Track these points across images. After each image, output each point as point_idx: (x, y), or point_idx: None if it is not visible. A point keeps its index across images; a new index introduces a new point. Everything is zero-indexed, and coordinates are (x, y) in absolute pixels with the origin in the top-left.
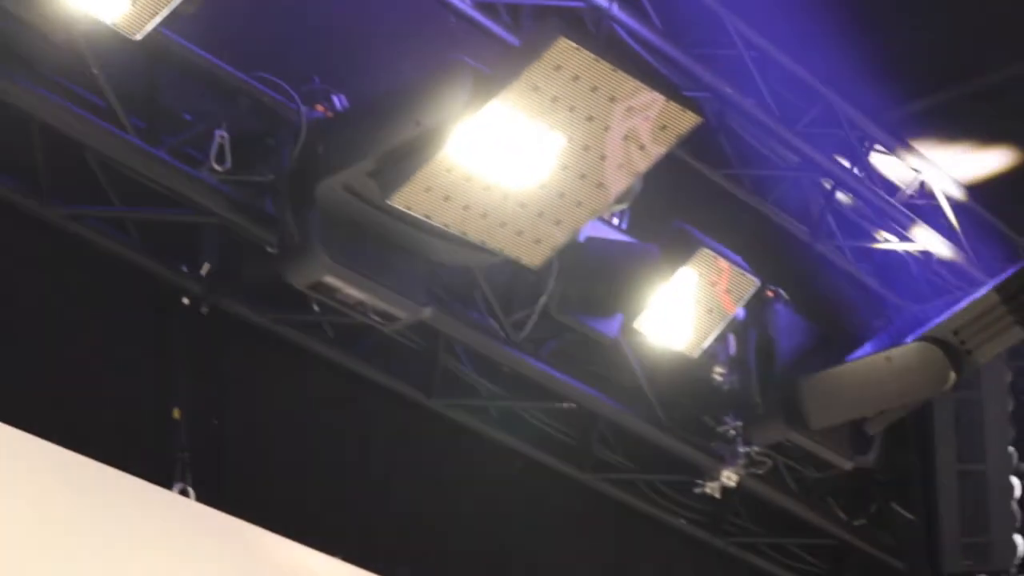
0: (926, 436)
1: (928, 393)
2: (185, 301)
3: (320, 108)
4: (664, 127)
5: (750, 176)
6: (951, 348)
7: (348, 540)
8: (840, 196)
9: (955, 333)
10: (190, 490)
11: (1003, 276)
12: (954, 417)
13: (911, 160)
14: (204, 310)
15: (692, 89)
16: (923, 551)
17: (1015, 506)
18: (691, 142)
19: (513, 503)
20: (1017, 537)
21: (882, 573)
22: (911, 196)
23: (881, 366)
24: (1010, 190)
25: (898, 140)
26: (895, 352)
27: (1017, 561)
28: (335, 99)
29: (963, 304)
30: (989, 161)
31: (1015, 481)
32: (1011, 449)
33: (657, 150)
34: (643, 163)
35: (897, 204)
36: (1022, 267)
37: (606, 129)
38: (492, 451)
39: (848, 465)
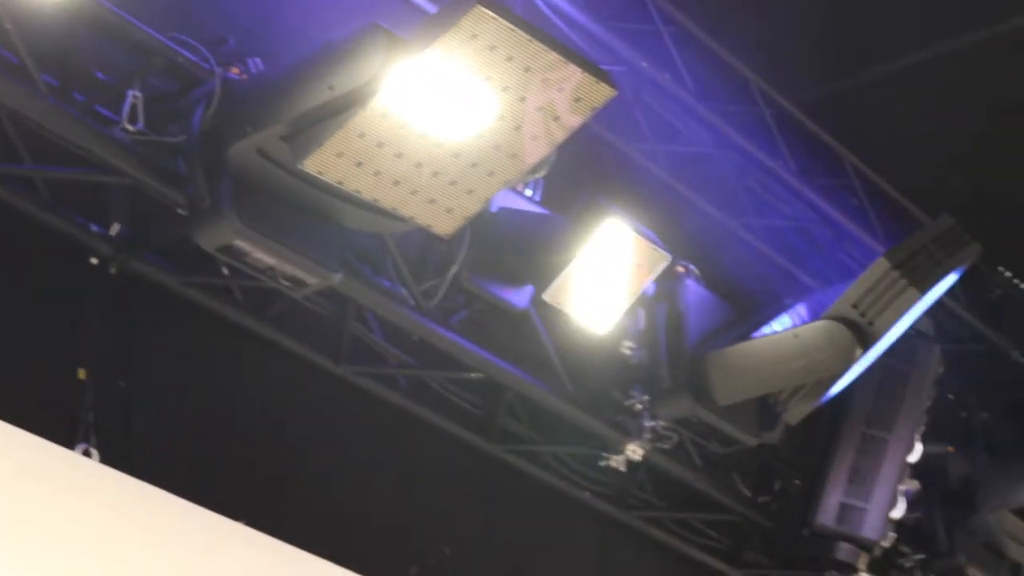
0: (845, 394)
1: (834, 371)
2: (94, 261)
3: (235, 70)
4: (579, 99)
5: (665, 151)
6: (855, 325)
7: (252, 505)
8: (753, 174)
9: (855, 307)
10: (93, 451)
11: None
12: (878, 382)
13: (825, 140)
14: (113, 270)
15: (609, 63)
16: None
17: (902, 490)
18: (607, 116)
19: (419, 472)
20: (895, 514)
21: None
22: (824, 176)
23: (788, 343)
24: (921, 172)
25: (813, 120)
26: (802, 330)
27: (885, 540)
28: (250, 62)
29: (858, 278)
30: (900, 143)
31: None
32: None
33: (572, 122)
34: (558, 135)
35: (810, 184)
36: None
37: (521, 100)
38: (399, 419)
39: (753, 441)
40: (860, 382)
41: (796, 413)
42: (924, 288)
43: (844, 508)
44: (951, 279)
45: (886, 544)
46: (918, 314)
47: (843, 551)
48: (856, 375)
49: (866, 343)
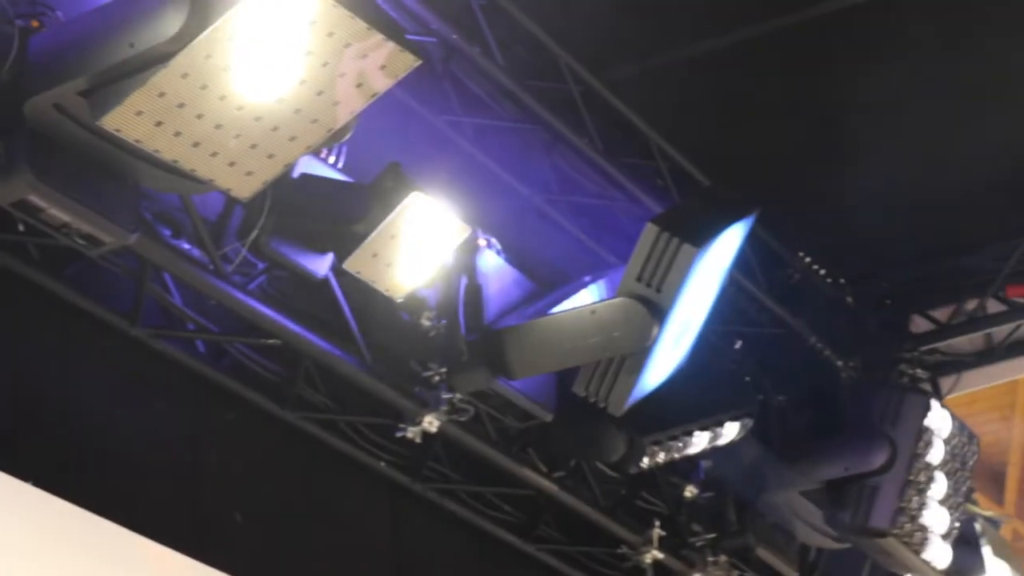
0: None
1: (631, 348)
2: None
3: (34, 23)
4: (383, 67)
5: (472, 124)
6: (647, 299)
7: (42, 466)
8: (559, 150)
9: (639, 280)
10: None
11: None
12: None
13: (631, 119)
14: None
15: (419, 34)
16: None
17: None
18: (415, 86)
19: (212, 437)
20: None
21: (579, 526)
22: (630, 156)
23: (586, 320)
24: (724, 153)
25: (619, 98)
26: (600, 307)
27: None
28: (50, 14)
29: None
30: (707, 124)
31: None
32: None
33: (375, 89)
34: (359, 102)
35: (615, 163)
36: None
37: (324, 65)
38: (195, 383)
39: (549, 417)
40: None
41: (616, 403)
42: (699, 243)
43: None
44: (734, 235)
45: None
46: (716, 277)
47: None
48: (677, 361)
49: (660, 315)
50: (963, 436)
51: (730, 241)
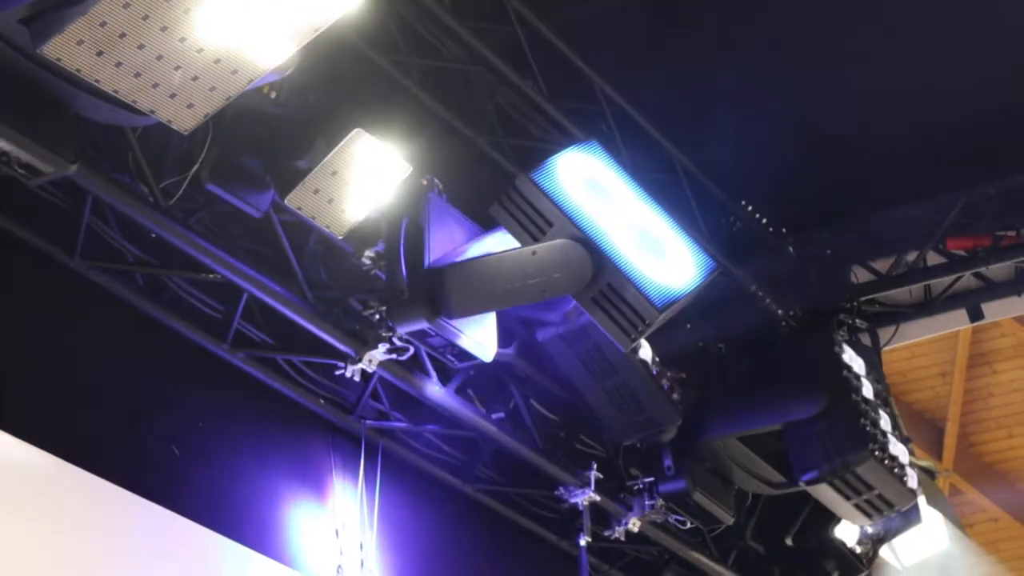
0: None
1: (569, 289)
2: None
3: None
4: (326, 3)
5: (418, 65)
6: (592, 246)
7: None
8: (504, 93)
9: (532, 237)
10: None
11: None
12: (580, 360)
13: (577, 63)
14: None
15: None
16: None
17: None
18: (362, 27)
19: (150, 372)
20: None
21: (514, 464)
22: (574, 100)
23: (526, 260)
24: (669, 100)
25: (566, 42)
26: (541, 247)
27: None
28: None
29: None
30: (657, 70)
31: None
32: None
33: (316, 24)
34: (303, 35)
35: (560, 107)
36: None
37: None
38: (134, 317)
39: (489, 357)
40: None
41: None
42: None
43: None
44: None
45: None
46: (622, 190)
47: None
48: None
49: (596, 252)
50: (876, 373)
51: (585, 162)
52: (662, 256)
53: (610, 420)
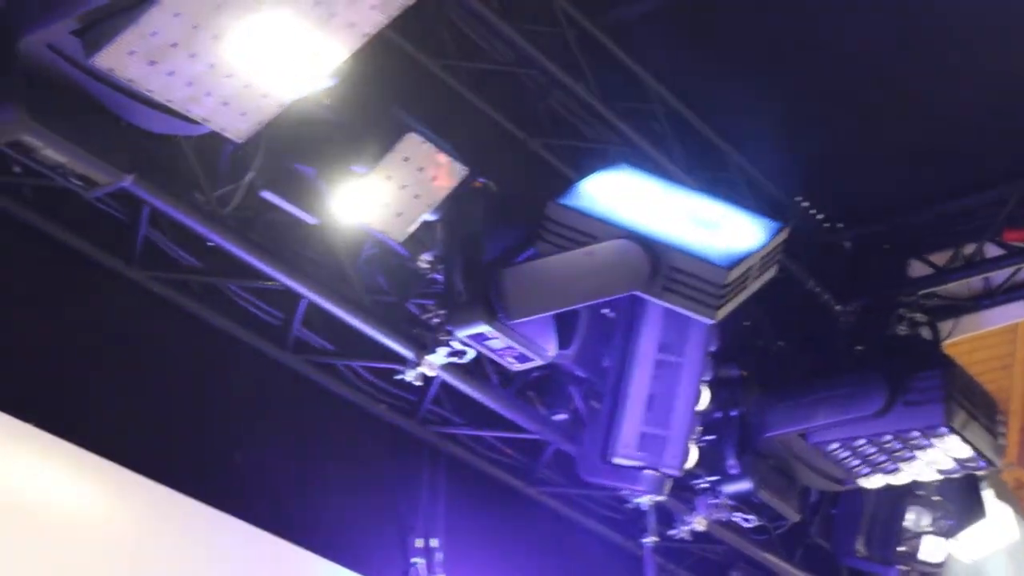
0: (633, 322)
1: (627, 288)
2: None
3: None
4: (374, 7)
5: (467, 68)
6: (643, 239)
7: (42, 408)
8: (555, 95)
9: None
10: None
11: None
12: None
13: (628, 63)
14: None
15: None
16: (602, 434)
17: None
18: (412, 32)
19: (211, 379)
20: (692, 445)
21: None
22: (627, 100)
23: (582, 261)
24: (722, 97)
25: (616, 43)
26: (597, 248)
27: (686, 466)
28: None
29: None
30: (708, 68)
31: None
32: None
33: (368, 29)
34: (354, 40)
35: (612, 107)
36: None
37: (315, 4)
38: (192, 325)
39: (548, 359)
40: (648, 307)
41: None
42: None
43: (644, 437)
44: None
45: (689, 466)
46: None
47: (646, 481)
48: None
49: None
50: None
51: (614, 179)
52: (719, 230)
53: None
